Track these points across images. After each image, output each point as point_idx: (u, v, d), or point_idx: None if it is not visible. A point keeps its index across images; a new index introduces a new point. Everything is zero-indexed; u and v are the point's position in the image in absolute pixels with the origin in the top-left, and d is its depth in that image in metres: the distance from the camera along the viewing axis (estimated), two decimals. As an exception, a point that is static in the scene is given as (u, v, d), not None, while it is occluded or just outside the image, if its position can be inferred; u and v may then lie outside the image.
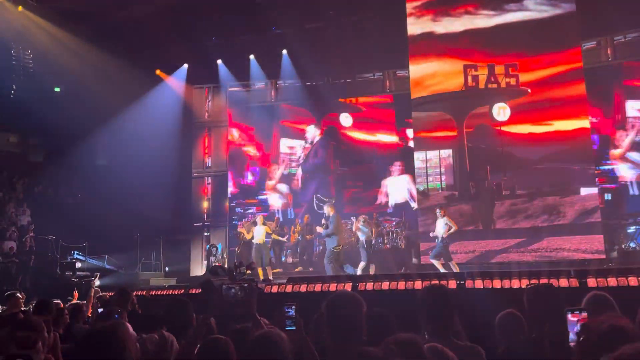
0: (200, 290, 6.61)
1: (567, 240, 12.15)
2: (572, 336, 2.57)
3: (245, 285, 2.94)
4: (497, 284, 6.27)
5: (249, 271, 12.21)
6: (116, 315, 4.08)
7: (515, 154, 13.12)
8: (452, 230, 11.07)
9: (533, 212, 12.70)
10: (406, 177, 14.98)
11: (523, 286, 6.15)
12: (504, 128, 13.18)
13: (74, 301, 7.65)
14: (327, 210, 11.03)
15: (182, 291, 10.03)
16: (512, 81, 13.17)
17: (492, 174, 13.20)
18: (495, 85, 13.27)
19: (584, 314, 2.70)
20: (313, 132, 16.23)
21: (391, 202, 15.15)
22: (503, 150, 13.14)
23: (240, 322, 3.10)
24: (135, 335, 2.48)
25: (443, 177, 13.68)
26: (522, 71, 13.06)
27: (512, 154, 13.15)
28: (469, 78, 13.41)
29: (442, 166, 13.69)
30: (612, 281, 5.91)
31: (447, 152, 13.69)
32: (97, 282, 12.12)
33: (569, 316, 2.61)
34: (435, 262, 11.07)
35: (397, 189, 15.20)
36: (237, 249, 14.34)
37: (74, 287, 9.26)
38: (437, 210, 11.40)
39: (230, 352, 2.64)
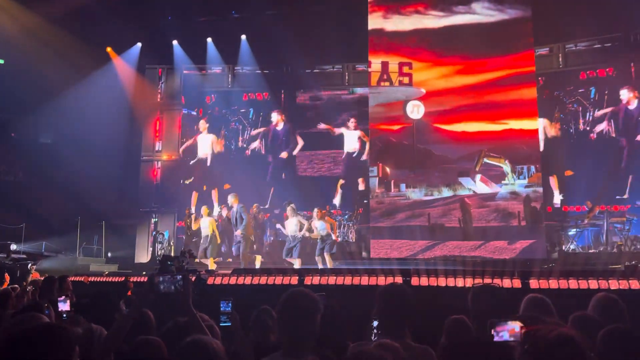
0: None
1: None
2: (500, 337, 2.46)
3: (179, 276, 2.74)
4: (442, 281, 6.32)
5: (197, 260, 12.00)
6: (47, 311, 3.81)
7: (434, 152, 13.36)
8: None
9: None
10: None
11: (467, 285, 6.23)
12: (442, 126, 13.38)
13: (4, 286, 7.24)
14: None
15: (123, 278, 9.67)
16: (405, 80, 13.41)
17: (404, 170, 13.46)
18: (387, 84, 13.54)
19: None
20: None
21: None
22: (419, 147, 13.34)
23: (175, 317, 2.92)
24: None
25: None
26: (469, 73, 13.26)
27: (431, 152, 13.37)
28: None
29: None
30: (553, 283, 6.05)
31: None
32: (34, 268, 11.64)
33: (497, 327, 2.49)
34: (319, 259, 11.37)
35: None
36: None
37: (4, 270, 8.76)
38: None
39: (162, 354, 2.47)
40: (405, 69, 13.42)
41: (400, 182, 13.37)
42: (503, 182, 12.80)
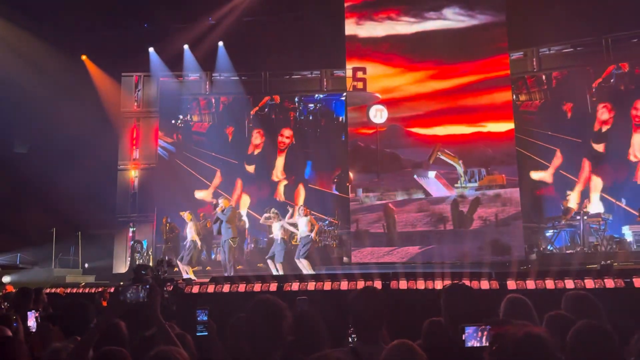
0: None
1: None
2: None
3: (147, 286, 2.68)
4: (420, 284, 6.34)
5: (176, 269, 11.82)
6: (15, 324, 3.70)
7: (401, 156, 13.39)
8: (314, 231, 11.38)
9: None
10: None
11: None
12: (415, 130, 13.41)
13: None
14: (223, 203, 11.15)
15: (101, 289, 9.51)
16: (359, 85, 13.50)
17: (370, 174, 13.47)
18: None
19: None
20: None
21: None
22: (386, 152, 13.39)
23: (143, 327, 2.85)
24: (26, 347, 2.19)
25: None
26: (442, 78, 13.34)
27: (397, 156, 13.41)
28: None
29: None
30: (530, 283, 6.10)
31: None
32: (7, 279, 11.38)
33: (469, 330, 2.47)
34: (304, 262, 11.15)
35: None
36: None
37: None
38: (301, 208, 11.59)
39: None
40: (360, 74, 13.45)
41: (358, 187, 13.35)
42: (456, 185, 12.88)
